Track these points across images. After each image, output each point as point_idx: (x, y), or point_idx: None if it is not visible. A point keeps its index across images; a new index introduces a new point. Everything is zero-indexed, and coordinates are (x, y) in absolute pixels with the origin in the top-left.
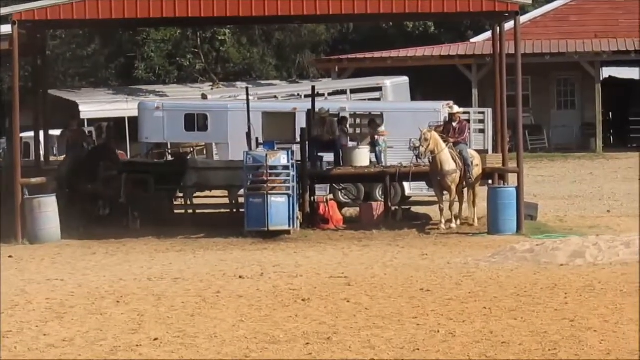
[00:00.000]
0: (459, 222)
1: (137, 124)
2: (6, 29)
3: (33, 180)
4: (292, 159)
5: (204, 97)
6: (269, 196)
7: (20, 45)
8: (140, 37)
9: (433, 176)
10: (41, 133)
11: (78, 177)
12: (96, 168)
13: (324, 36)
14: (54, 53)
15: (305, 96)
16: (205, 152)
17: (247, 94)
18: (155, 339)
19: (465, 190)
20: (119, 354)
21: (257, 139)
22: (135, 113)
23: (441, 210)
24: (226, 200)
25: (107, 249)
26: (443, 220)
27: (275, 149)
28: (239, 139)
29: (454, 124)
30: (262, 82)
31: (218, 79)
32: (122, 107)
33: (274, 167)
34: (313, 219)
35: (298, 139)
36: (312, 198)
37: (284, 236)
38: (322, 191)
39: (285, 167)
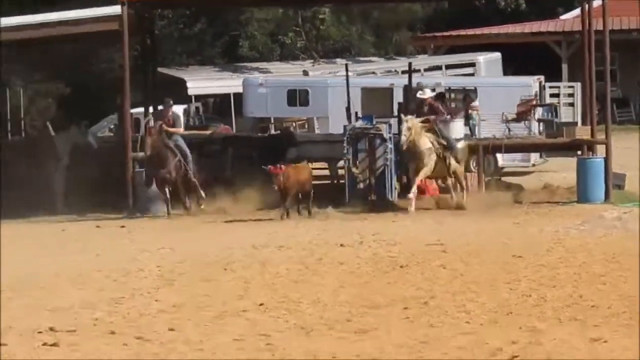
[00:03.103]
0: (412, 207)
1: (241, 99)
2: (116, 9)
3: (141, 153)
4: (390, 132)
5: (305, 73)
6: None
7: (130, 26)
8: (243, 16)
9: (410, 162)
10: (150, 109)
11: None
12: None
13: (420, 14)
14: (161, 32)
15: (402, 72)
16: (306, 126)
17: (347, 71)
18: (261, 304)
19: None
20: (226, 319)
21: (356, 113)
22: (240, 89)
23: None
24: (326, 172)
25: (215, 219)
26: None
27: (374, 122)
28: (338, 114)
29: (426, 109)
30: (361, 59)
31: (318, 56)
32: (227, 83)
33: None
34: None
35: (395, 113)
36: None
37: (383, 205)
38: None
39: (384, 140)
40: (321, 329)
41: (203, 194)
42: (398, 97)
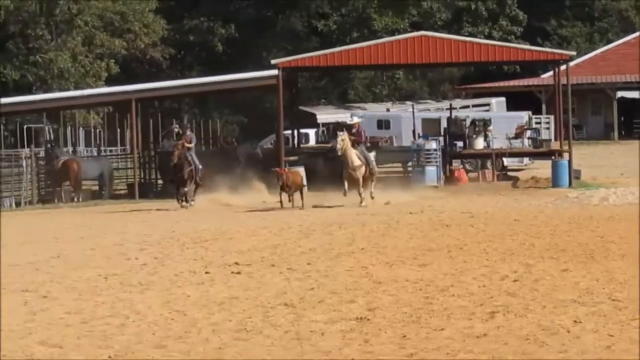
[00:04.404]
0: (364, 202)
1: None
2: (274, 72)
3: (291, 158)
4: (439, 145)
5: (388, 110)
6: (425, 166)
7: (282, 82)
8: (351, 75)
9: (345, 169)
10: (295, 132)
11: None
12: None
13: (456, 74)
14: (301, 85)
15: (446, 109)
16: (388, 141)
17: (413, 108)
18: (362, 249)
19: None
20: (341, 257)
21: (418, 134)
22: (348, 119)
23: (361, 192)
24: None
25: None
26: (363, 201)
27: (429, 139)
28: (408, 134)
29: (354, 130)
30: (421, 101)
31: (395, 99)
32: (341, 116)
33: (428, 150)
34: (451, 180)
35: (442, 134)
36: (450, 167)
37: (435, 189)
38: (456, 163)
39: (435, 150)
40: (398, 263)
41: (193, 199)
42: (443, 124)
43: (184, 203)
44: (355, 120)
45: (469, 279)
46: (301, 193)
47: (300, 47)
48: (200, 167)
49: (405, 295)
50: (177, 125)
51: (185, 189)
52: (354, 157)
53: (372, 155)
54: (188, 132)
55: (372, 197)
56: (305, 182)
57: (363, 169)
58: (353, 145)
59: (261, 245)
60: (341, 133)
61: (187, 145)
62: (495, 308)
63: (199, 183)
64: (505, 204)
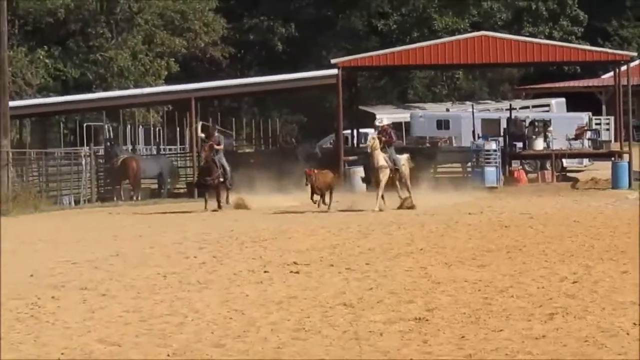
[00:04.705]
0: (377, 207)
1: (409, 125)
2: (334, 71)
3: (350, 157)
4: (498, 146)
5: (447, 110)
6: (484, 167)
7: (342, 81)
8: (410, 75)
9: (371, 169)
10: (354, 131)
11: None
12: None
13: (516, 74)
14: (361, 84)
15: (506, 109)
16: (448, 142)
17: (472, 108)
18: (421, 249)
19: (399, 184)
20: (400, 257)
21: (478, 134)
22: (408, 119)
23: (378, 196)
24: (459, 169)
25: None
26: (376, 206)
27: (488, 140)
28: (467, 134)
29: (383, 132)
30: (480, 101)
31: (455, 99)
32: (400, 115)
33: (488, 150)
34: (510, 180)
35: (501, 134)
36: (510, 168)
37: (494, 190)
38: (516, 164)
39: (494, 150)
40: (457, 264)
41: (229, 200)
42: (503, 124)
43: (212, 207)
44: (385, 122)
45: (528, 280)
46: (330, 194)
47: (360, 46)
48: (229, 169)
49: (464, 296)
50: (200, 122)
51: (214, 193)
52: (380, 158)
53: (403, 158)
54: (216, 134)
55: (407, 205)
56: (336, 183)
57: (387, 172)
58: (383, 149)
59: (320, 245)
60: (372, 133)
61: (215, 147)
62: (554, 309)
63: (229, 187)
64: (564, 205)
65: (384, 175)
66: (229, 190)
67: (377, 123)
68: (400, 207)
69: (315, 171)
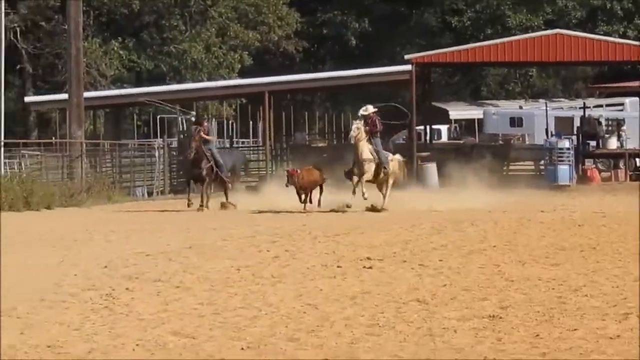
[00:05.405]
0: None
1: (482, 122)
2: (407, 67)
3: (423, 153)
4: (571, 144)
5: (521, 107)
6: (557, 165)
7: (415, 77)
8: (483, 72)
9: (354, 162)
10: (427, 127)
11: None
12: None
13: (590, 73)
14: (434, 81)
15: (579, 108)
16: (521, 139)
17: (546, 106)
18: (494, 246)
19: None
20: (474, 254)
21: (551, 132)
22: (481, 116)
23: (362, 188)
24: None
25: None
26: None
27: (562, 138)
28: (540, 132)
29: (368, 121)
30: (554, 99)
31: (528, 96)
32: (473, 112)
33: (561, 149)
34: (583, 179)
35: (575, 132)
36: (583, 166)
37: (566, 188)
38: (589, 162)
39: (568, 149)
40: (530, 262)
41: (229, 199)
42: (576, 123)
43: (197, 205)
44: (370, 110)
45: (602, 279)
46: (320, 191)
47: (433, 42)
48: (222, 163)
49: (538, 294)
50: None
51: (202, 189)
52: (365, 149)
53: (394, 157)
54: (205, 123)
55: (380, 210)
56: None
57: (373, 166)
58: (369, 140)
59: (393, 241)
60: (356, 122)
61: (205, 136)
62: (628, 309)
63: (228, 182)
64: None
65: (369, 169)
66: (227, 189)
67: (361, 111)
68: (371, 209)
69: (299, 170)
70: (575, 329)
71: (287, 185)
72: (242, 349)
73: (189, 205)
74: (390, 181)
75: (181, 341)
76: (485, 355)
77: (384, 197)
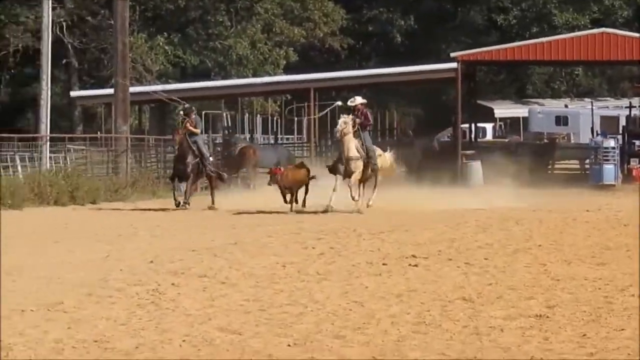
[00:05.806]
0: (359, 205)
1: (527, 121)
2: (453, 65)
3: (467, 152)
4: (617, 143)
5: (566, 106)
6: (602, 164)
7: (461, 75)
8: (529, 71)
9: (339, 159)
10: (472, 125)
11: None
12: None
13: (636, 72)
14: (480, 79)
15: (625, 107)
16: (566, 138)
17: (592, 105)
18: (539, 245)
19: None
20: (518, 253)
21: (596, 131)
22: (526, 114)
23: (356, 193)
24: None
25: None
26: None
27: (607, 137)
28: (586, 131)
29: (357, 113)
30: (600, 98)
31: (574, 95)
32: (518, 111)
33: (606, 148)
34: (629, 178)
35: (621, 132)
36: (628, 166)
37: (611, 187)
38: (634, 162)
39: (613, 148)
40: (576, 262)
41: (214, 201)
42: (622, 122)
43: (182, 202)
44: (358, 101)
45: None
46: (306, 191)
47: (479, 40)
48: (212, 158)
49: (584, 294)
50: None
51: (187, 184)
52: (352, 146)
53: (384, 154)
54: (193, 115)
55: (369, 205)
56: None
57: (360, 164)
58: (356, 133)
59: (438, 239)
60: (345, 116)
61: (191, 129)
62: None
63: (223, 177)
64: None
65: (357, 168)
66: (214, 187)
67: (349, 103)
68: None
69: (283, 169)
70: (622, 329)
71: (269, 184)
72: (289, 345)
73: (177, 205)
74: (379, 178)
75: (228, 337)
76: (533, 355)
77: (372, 194)
